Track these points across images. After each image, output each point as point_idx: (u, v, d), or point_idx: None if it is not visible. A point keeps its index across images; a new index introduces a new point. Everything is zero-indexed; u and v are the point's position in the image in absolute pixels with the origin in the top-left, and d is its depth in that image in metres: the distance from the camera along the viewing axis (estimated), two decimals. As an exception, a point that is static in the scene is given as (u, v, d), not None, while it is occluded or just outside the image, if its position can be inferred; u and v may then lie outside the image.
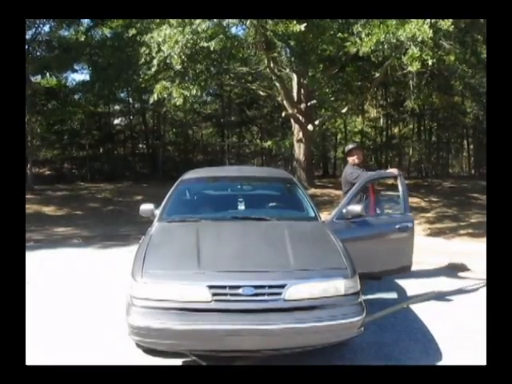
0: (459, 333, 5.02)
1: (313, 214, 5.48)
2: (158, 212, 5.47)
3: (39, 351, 4.46)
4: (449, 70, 18.55)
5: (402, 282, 6.88)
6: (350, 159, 7.17)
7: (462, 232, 11.76)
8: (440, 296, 6.35)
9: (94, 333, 5.06)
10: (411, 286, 6.74)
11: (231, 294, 3.80)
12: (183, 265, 4.09)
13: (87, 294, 6.48)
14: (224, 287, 3.82)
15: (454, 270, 7.78)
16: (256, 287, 3.81)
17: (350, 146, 7.49)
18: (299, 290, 3.87)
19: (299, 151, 18.47)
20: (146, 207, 5.64)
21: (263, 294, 3.82)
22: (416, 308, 5.84)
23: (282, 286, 3.84)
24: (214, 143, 31.00)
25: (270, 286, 3.85)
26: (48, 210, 15.78)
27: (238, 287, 3.80)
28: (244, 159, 29.09)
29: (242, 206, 5.69)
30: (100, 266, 8.10)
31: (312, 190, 16.88)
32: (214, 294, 3.78)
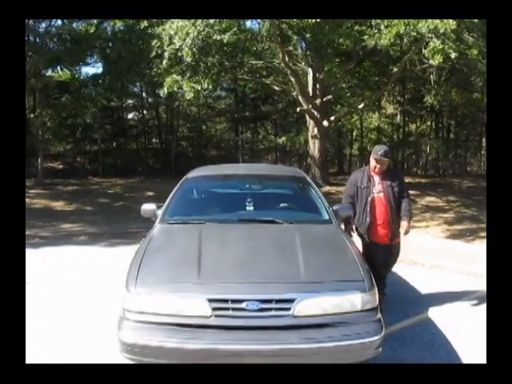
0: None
1: (327, 217, 5.04)
2: (160, 213, 5.09)
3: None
4: (468, 65, 18.02)
5: (421, 289, 6.45)
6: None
7: (482, 234, 11.24)
8: (463, 305, 5.91)
9: (86, 339, 4.71)
10: (430, 294, 6.31)
11: (233, 309, 3.41)
12: (181, 274, 3.69)
13: (86, 298, 6.15)
14: (226, 301, 3.42)
15: (476, 276, 7.30)
16: (261, 301, 3.41)
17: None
18: (310, 305, 3.46)
19: (314, 147, 18.02)
20: (147, 207, 5.27)
21: (269, 310, 3.42)
22: (436, 319, 5.41)
23: (291, 301, 3.43)
24: (228, 139, 30.55)
25: (278, 301, 3.44)
26: (57, 205, 15.50)
27: (242, 301, 3.40)
28: (258, 155, 28.70)
29: (250, 208, 5.24)
30: (104, 266, 7.75)
31: (326, 188, 16.45)
32: (215, 309, 3.39)
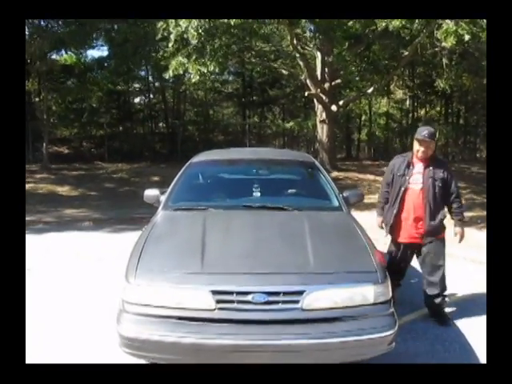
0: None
1: (337, 204, 4.80)
2: (163, 198, 4.90)
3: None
4: (480, 49, 17.64)
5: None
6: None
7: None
8: (475, 296, 5.69)
9: (85, 332, 4.55)
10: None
11: (239, 302, 3.20)
12: (184, 265, 3.48)
13: (87, 286, 5.99)
14: (230, 293, 3.21)
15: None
16: (268, 294, 3.20)
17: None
18: (320, 298, 3.25)
19: (322, 132, 17.76)
20: (150, 193, 5.06)
21: (277, 302, 3.21)
22: (448, 310, 5.19)
23: (300, 293, 3.22)
24: (235, 123, 30.31)
25: (285, 293, 3.23)
26: (62, 190, 15.41)
27: (247, 293, 3.20)
28: (265, 140, 28.49)
29: (256, 193, 5.02)
30: (107, 253, 7.56)
31: (335, 173, 16.24)
32: (219, 301, 3.19)
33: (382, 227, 5.16)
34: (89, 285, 6.03)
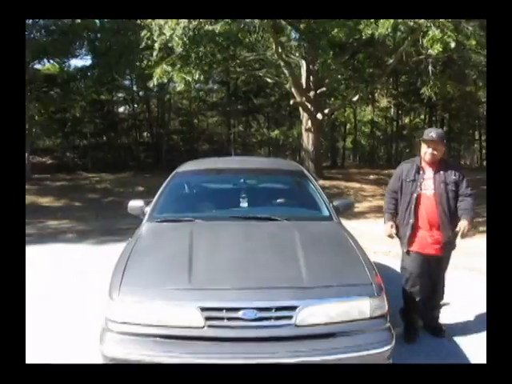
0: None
1: (327, 213, 4.69)
2: (148, 209, 4.73)
3: None
4: (463, 58, 17.76)
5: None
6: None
7: (482, 229, 10.94)
8: (468, 305, 5.57)
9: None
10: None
11: (229, 319, 3.05)
12: (171, 279, 3.32)
13: (67, 302, 5.77)
14: (220, 309, 3.06)
15: (479, 273, 6.95)
16: (260, 310, 3.06)
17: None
18: (314, 313, 3.12)
19: (308, 141, 17.67)
20: (134, 204, 4.92)
21: (269, 319, 3.07)
22: (444, 320, 5.04)
23: (293, 308, 3.08)
24: (220, 132, 30.20)
25: (278, 309, 3.09)
26: (45, 201, 15.11)
27: (238, 310, 3.05)
28: (250, 149, 28.37)
29: (244, 204, 4.88)
30: (90, 266, 7.34)
31: (321, 182, 16.10)
32: (208, 318, 3.03)
33: (392, 236, 4.71)
34: (70, 300, 5.81)
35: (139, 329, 3.06)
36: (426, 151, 4.49)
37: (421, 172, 4.55)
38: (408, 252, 4.59)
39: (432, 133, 4.52)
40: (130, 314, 3.10)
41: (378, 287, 3.31)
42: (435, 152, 4.46)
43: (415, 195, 4.49)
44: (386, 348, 3.14)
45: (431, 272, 4.61)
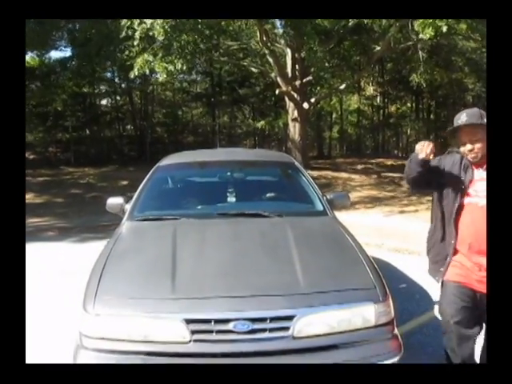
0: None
1: (321, 208, 4.34)
2: (128, 207, 4.37)
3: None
4: (449, 45, 17.57)
5: (423, 284, 5.84)
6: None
7: None
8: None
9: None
10: (434, 289, 5.70)
11: (218, 332, 2.70)
12: (152, 288, 2.95)
13: (44, 307, 5.43)
14: (208, 321, 2.71)
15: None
16: (252, 321, 2.71)
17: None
18: (313, 323, 2.77)
19: (294, 131, 17.33)
20: (113, 201, 4.58)
21: (263, 331, 2.72)
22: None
23: (290, 318, 2.74)
24: (205, 124, 29.88)
25: (273, 319, 2.74)
26: (26, 197, 14.66)
27: (228, 321, 2.70)
28: (236, 140, 28.06)
29: (232, 199, 4.55)
30: (72, 265, 6.97)
31: (308, 172, 15.83)
32: (194, 332, 2.68)
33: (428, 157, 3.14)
34: (49, 304, 5.48)
35: (117, 345, 2.71)
36: (463, 149, 3.13)
37: (469, 169, 3.14)
38: (445, 284, 3.26)
39: (463, 115, 3.11)
40: (107, 328, 2.74)
41: (382, 291, 2.98)
42: (476, 146, 3.05)
43: (457, 204, 3.12)
44: (394, 359, 2.83)
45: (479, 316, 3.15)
